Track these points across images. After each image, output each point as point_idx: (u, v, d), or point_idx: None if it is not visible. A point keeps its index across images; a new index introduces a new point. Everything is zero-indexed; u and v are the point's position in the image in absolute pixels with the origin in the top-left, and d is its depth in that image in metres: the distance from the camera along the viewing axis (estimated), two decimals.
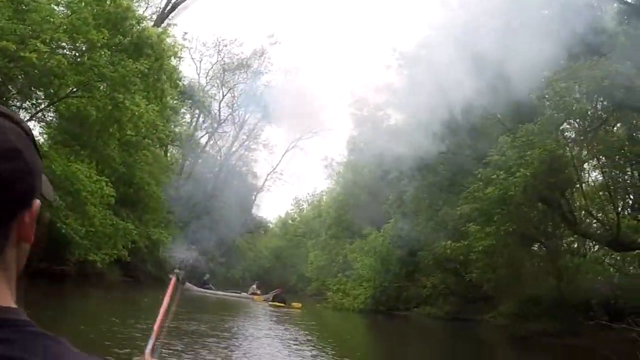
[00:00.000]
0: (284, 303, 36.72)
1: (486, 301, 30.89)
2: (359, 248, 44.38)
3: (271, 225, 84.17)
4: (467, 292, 32.77)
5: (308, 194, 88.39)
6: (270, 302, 37.27)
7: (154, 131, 29.20)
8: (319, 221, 62.13)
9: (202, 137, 58.05)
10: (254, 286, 44.36)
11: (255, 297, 40.07)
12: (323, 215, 61.57)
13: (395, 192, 39.38)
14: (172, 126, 39.78)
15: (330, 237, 55.34)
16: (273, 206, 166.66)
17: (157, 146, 36.17)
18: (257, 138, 61.32)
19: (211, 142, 58.71)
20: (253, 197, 63.83)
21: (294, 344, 16.09)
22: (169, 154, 50.43)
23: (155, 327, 2.10)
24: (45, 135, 29.16)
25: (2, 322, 0.88)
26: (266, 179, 64.29)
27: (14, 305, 0.92)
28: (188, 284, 39.33)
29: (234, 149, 59.33)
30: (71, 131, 26.40)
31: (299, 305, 37.19)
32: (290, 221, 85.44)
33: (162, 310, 2.17)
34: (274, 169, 64.34)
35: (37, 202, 1.01)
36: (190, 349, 12.49)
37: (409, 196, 35.68)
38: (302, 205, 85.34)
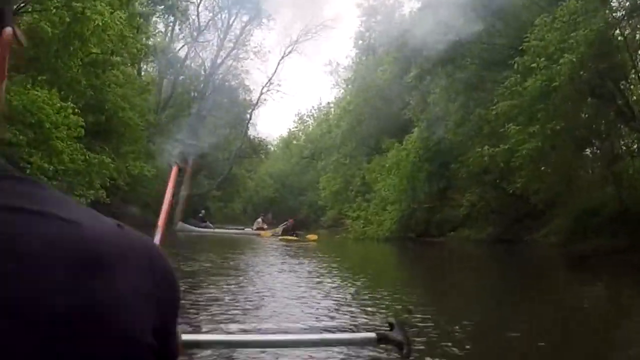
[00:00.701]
0: (297, 236, 37.65)
1: (535, 218, 31.20)
2: (379, 166, 44.75)
3: (272, 148, 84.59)
4: (512, 209, 33.09)
5: (313, 107, 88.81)
6: (280, 237, 38.10)
7: (123, 45, 29.28)
8: (329, 138, 62.39)
9: (180, 49, 57.68)
10: (260, 220, 45.07)
11: (262, 232, 40.95)
12: (333, 130, 61.86)
13: (417, 94, 39.48)
14: (144, 38, 39.68)
15: (343, 156, 55.87)
16: (272, 125, 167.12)
17: (129, 64, 36.16)
18: (246, 45, 60.93)
19: (192, 54, 58.34)
20: (248, 116, 63.89)
21: (312, 277, 16.76)
22: (143, 73, 50.45)
23: (160, 221, 2.36)
24: None
25: None
26: (261, 92, 64.09)
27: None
28: (181, 224, 40.05)
29: (219, 60, 59.04)
30: (25, 54, 26.46)
31: (314, 237, 38.13)
32: (294, 141, 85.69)
33: (165, 201, 2.43)
34: (270, 79, 64.12)
35: (7, 31, 0.94)
36: (196, 287, 13.05)
37: (434, 98, 35.70)
38: (307, 121, 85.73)
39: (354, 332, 8.09)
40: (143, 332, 0.89)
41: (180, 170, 2.53)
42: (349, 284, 15.01)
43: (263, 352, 7.24)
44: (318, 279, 16.21)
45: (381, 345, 2.63)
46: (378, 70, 50.74)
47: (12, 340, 0.76)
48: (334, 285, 14.90)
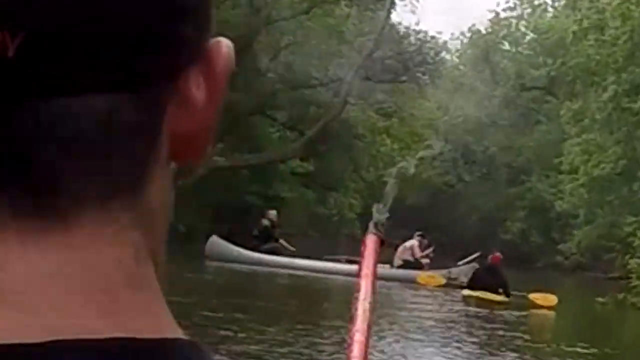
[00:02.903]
0: (507, 293, 38.97)
1: None
2: None
3: (449, 58, 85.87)
4: None
5: None
6: (466, 292, 39.36)
7: None
8: (598, 46, 58.90)
9: None
10: (414, 243, 43.30)
11: (421, 275, 42.76)
12: (606, 27, 57.49)
13: None
14: None
15: (625, 90, 52.70)
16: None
17: None
18: None
19: None
20: None
21: None
22: None
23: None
24: None
25: None
26: None
27: (179, 335, 0.96)
28: (214, 241, 44.44)
29: None
30: None
31: (552, 300, 39.50)
32: (504, 42, 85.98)
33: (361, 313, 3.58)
34: None
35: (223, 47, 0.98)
36: None
37: None
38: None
39: None
40: None
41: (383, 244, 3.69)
42: None
43: None
44: None
45: None
46: None
47: None
48: None
